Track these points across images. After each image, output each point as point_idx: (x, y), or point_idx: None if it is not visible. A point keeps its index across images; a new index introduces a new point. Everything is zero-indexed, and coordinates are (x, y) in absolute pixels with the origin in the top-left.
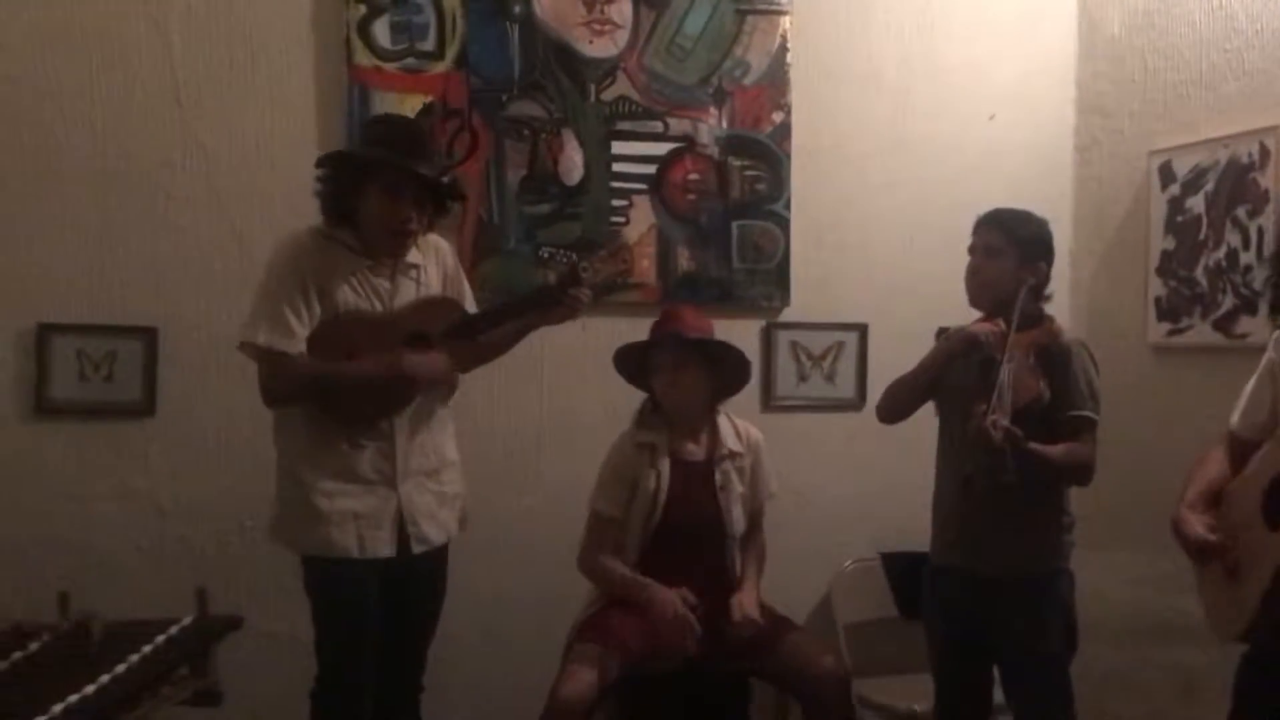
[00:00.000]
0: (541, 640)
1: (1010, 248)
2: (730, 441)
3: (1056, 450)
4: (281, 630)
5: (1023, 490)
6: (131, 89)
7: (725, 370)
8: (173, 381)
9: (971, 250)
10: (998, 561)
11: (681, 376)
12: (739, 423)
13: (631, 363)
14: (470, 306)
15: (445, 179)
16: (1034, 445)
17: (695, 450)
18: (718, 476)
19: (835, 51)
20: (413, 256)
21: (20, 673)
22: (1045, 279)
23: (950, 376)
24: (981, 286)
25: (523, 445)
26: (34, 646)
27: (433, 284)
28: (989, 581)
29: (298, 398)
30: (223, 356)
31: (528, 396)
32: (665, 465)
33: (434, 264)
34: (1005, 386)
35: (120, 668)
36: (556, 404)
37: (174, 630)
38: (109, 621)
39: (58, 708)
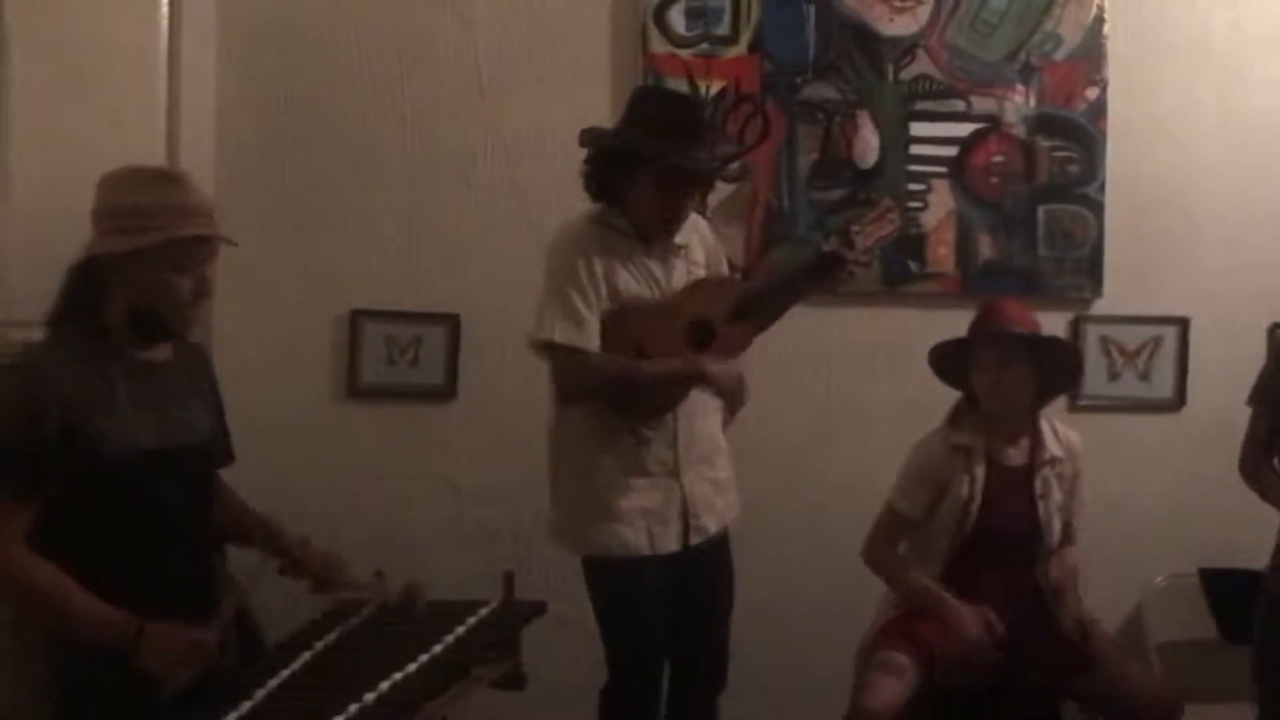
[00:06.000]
0: (830, 643)
1: None
2: (1052, 446)
3: None
4: (574, 616)
5: None
6: (439, 82)
7: (1051, 369)
8: (473, 367)
9: None
10: None
11: (1006, 375)
12: (1059, 426)
13: (949, 359)
14: None
15: (722, 162)
16: None
17: (1015, 455)
18: (1037, 484)
19: (1159, 19)
20: (679, 236)
21: (346, 646)
22: None
23: None
24: None
25: (809, 440)
26: (355, 621)
27: (698, 261)
28: None
29: (595, 395)
30: (520, 343)
31: (815, 390)
32: (981, 470)
33: (697, 241)
34: None
35: (437, 648)
36: (844, 397)
37: (484, 612)
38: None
39: (384, 684)
